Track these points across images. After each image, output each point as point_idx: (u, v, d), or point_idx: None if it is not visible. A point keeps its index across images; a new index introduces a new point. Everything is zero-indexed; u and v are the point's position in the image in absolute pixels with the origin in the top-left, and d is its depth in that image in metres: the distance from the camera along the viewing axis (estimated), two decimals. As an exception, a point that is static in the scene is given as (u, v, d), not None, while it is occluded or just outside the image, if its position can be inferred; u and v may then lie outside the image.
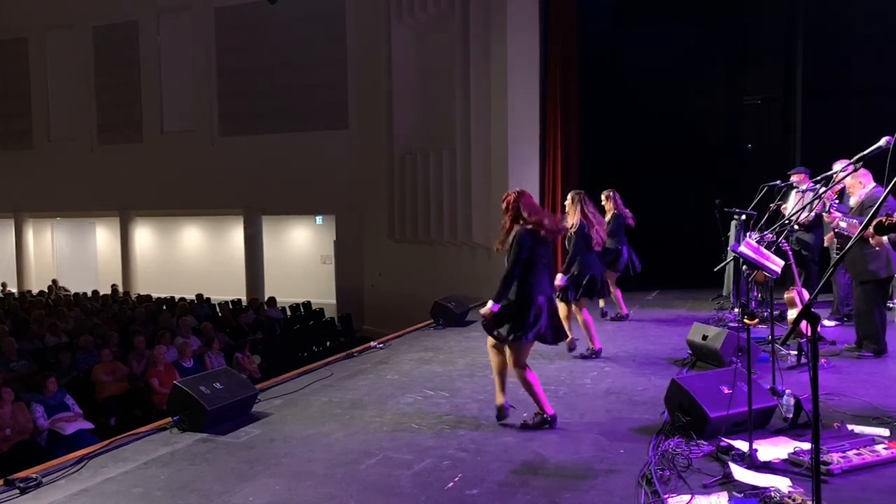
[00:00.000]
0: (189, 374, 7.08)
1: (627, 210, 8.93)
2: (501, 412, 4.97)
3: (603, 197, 8.80)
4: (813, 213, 7.72)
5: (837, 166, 6.23)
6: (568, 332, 7.05)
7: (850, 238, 6.33)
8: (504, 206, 4.98)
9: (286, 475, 4.16)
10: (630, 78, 12.91)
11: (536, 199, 12.40)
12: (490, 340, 5.02)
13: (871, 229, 5.22)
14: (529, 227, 4.84)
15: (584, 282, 6.98)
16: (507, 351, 4.90)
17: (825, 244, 7.65)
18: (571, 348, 7.09)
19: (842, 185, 6.91)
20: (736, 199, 9.02)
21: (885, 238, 5.93)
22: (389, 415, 5.29)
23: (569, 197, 7.22)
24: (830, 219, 6.61)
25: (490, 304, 4.81)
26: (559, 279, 6.91)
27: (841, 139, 10.80)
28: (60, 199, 20.16)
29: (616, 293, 8.76)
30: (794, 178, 8.07)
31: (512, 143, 11.96)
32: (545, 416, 4.86)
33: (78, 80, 19.88)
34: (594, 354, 6.87)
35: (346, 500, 3.79)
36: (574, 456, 4.30)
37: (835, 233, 6.81)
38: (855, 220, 6.27)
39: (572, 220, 7.01)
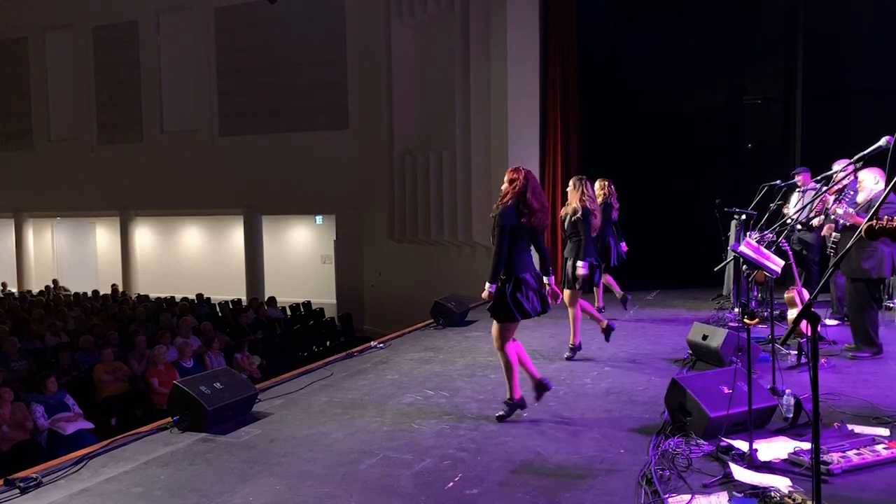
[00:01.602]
0: (189, 374, 7.09)
1: (617, 203, 8.94)
2: (521, 404, 5.04)
3: (597, 186, 8.74)
4: (822, 216, 7.70)
5: (837, 166, 6.22)
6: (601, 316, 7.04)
7: (845, 230, 6.32)
8: (509, 179, 4.99)
9: (286, 475, 4.16)
10: (630, 78, 12.91)
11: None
12: (495, 340, 5.04)
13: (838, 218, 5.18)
14: (517, 205, 4.88)
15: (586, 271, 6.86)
16: (493, 328, 5.01)
17: (823, 234, 7.62)
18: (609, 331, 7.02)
19: (841, 185, 6.89)
20: (736, 199, 9.01)
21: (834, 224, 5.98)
22: (389, 415, 5.29)
23: (571, 182, 7.09)
24: (831, 210, 6.53)
25: (487, 286, 4.92)
26: (581, 267, 6.73)
27: (841, 139, 10.78)
28: (60, 199, 20.16)
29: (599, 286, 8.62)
30: (797, 178, 8.08)
31: (512, 143, 11.96)
32: (513, 400, 5.02)
33: (78, 80, 19.88)
34: (572, 351, 6.80)
35: (346, 500, 3.79)
36: (574, 456, 4.30)
37: (835, 226, 6.78)
38: (851, 210, 6.22)
39: (574, 204, 6.87)
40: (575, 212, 6.82)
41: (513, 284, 4.87)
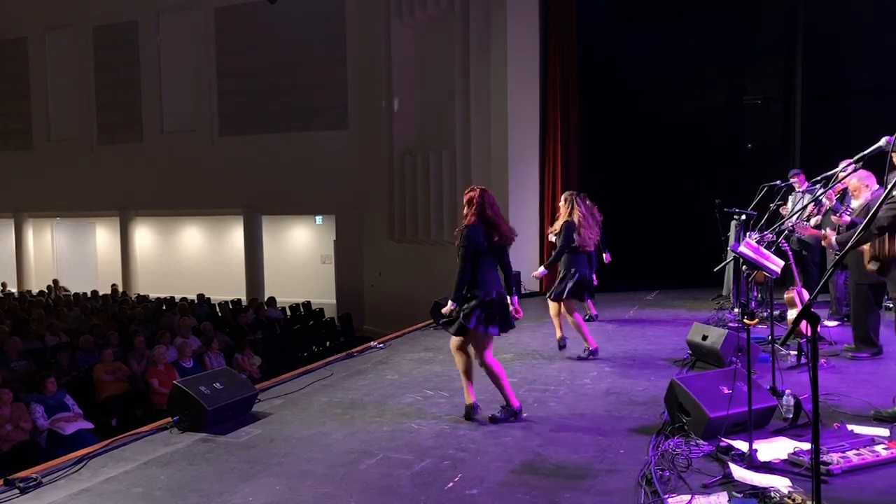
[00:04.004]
0: (189, 374, 7.09)
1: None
2: (471, 412, 5.05)
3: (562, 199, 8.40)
4: (819, 216, 7.70)
5: (841, 166, 6.20)
6: (559, 330, 7.22)
7: (849, 230, 6.32)
8: (467, 200, 5.05)
9: (286, 475, 4.16)
10: (630, 78, 12.92)
11: (536, 199, 12.36)
12: (454, 343, 5.08)
13: (830, 234, 5.18)
14: (481, 224, 4.92)
15: (573, 282, 6.94)
16: (471, 347, 5.00)
17: (823, 243, 7.62)
18: (562, 346, 7.18)
19: (843, 186, 6.88)
20: (736, 199, 9.02)
21: (833, 239, 5.98)
22: (389, 415, 5.29)
23: (562, 197, 7.23)
24: (841, 222, 6.52)
25: (450, 304, 4.95)
26: (538, 272, 7.36)
27: (841, 139, 10.80)
28: (60, 199, 20.16)
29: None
30: (793, 181, 8.08)
31: (512, 143, 11.96)
32: (511, 409, 4.98)
33: (78, 80, 19.88)
34: (591, 355, 6.83)
35: (346, 500, 3.79)
36: (574, 456, 4.30)
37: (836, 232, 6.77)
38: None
39: (562, 220, 7.07)
40: (558, 227, 7.07)
41: (478, 304, 4.86)
